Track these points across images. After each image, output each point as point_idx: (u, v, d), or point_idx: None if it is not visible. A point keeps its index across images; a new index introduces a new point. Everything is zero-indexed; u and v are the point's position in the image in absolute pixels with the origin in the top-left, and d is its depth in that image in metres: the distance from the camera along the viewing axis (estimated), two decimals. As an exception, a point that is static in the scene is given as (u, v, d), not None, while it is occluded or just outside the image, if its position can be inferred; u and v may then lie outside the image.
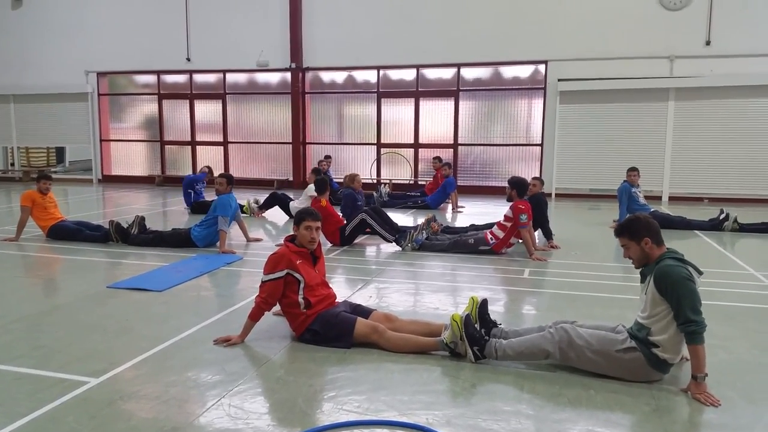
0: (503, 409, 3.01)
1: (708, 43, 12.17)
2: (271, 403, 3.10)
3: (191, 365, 3.56)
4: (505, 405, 3.05)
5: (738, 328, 4.33)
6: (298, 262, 3.89)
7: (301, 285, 3.87)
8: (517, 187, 6.71)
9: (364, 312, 4.04)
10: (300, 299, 3.86)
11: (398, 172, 14.73)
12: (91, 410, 2.96)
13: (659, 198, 12.53)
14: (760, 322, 4.50)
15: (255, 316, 3.91)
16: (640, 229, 3.35)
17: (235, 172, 15.77)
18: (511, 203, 6.73)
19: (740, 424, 2.89)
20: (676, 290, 3.13)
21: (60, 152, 20.40)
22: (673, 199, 12.53)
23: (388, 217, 7.57)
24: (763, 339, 4.11)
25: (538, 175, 12.61)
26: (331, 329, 3.82)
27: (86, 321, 4.40)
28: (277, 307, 4.05)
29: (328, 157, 13.28)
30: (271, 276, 3.85)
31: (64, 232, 7.48)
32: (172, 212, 10.65)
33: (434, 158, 12.50)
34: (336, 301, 4.13)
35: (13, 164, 18.11)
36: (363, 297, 5.09)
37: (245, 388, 3.24)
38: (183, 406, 3.04)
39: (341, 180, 9.48)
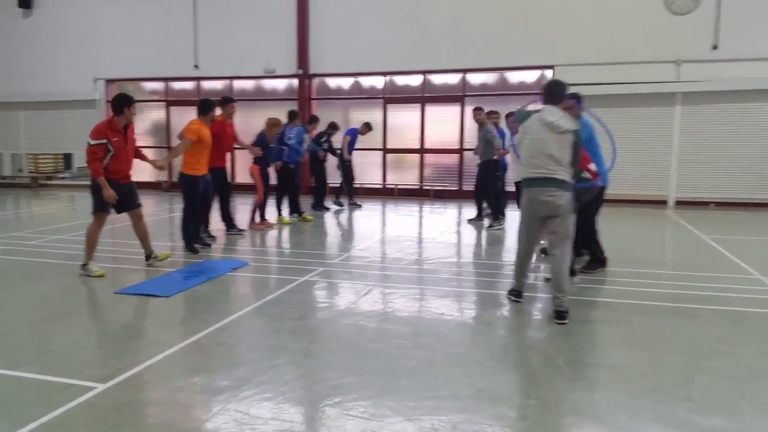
0: (509, 414, 3.01)
1: (715, 47, 12.13)
2: (277, 409, 3.11)
3: (198, 371, 3.59)
4: (511, 411, 3.05)
5: (745, 333, 4.32)
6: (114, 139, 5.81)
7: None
8: None
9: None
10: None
11: (404, 177, 14.74)
12: (98, 415, 2.98)
13: (665, 203, 12.48)
14: (767, 327, 4.48)
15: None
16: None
17: (243, 178, 15.83)
18: None
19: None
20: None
21: (68, 158, 20.48)
22: (680, 203, 12.48)
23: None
24: (771, 345, 4.08)
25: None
26: None
27: (94, 327, 4.44)
28: None
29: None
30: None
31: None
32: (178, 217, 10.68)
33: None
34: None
35: (21, 170, 18.23)
36: (368, 303, 5.10)
37: (251, 394, 3.25)
38: (189, 412, 3.06)
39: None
